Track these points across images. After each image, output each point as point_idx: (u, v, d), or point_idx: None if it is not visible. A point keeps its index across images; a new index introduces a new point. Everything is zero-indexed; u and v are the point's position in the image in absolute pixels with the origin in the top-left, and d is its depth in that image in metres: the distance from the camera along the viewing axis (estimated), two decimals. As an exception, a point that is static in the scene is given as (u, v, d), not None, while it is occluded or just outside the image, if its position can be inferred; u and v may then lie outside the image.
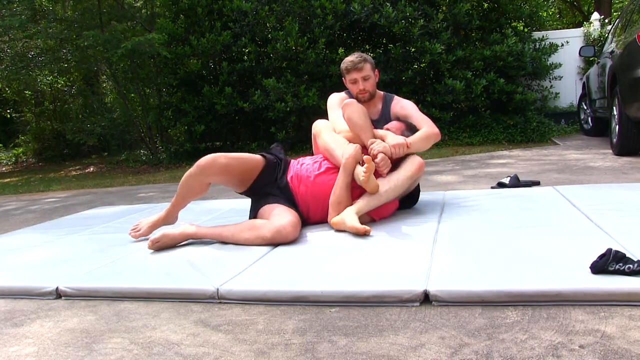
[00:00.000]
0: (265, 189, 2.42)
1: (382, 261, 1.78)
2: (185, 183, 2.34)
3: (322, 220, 2.42)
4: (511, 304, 1.41)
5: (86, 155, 11.51)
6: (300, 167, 2.50)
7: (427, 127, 2.51)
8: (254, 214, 2.42)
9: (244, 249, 2.11)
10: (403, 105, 2.69)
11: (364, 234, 2.12)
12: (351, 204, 2.31)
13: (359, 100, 2.65)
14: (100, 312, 1.65)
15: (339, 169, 2.35)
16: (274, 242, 2.13)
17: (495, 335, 1.25)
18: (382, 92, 2.77)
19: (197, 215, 3.03)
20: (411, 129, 2.54)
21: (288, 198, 2.40)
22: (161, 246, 2.23)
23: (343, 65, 2.66)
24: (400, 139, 2.38)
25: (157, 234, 2.29)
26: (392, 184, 2.31)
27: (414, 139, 2.44)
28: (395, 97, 2.77)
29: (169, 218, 2.50)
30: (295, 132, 7.38)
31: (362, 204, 2.28)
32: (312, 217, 2.44)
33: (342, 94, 2.78)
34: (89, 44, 7.18)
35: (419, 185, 2.65)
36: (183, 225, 2.35)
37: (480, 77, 6.63)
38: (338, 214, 2.28)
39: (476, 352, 1.17)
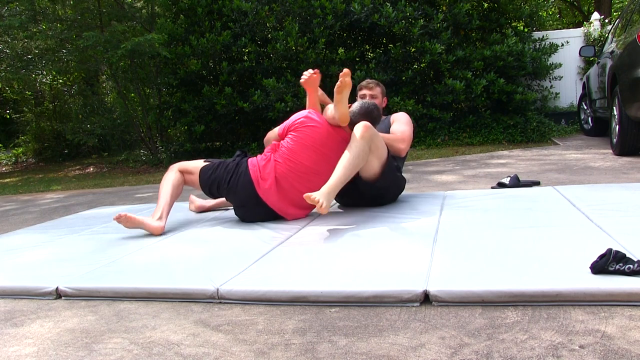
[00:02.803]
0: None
1: (382, 261, 1.78)
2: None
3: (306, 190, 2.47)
4: (511, 304, 1.41)
5: (86, 156, 11.49)
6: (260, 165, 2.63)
7: (397, 135, 2.84)
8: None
9: (244, 249, 2.11)
10: (396, 116, 3.03)
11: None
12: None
13: None
14: (100, 312, 1.65)
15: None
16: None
17: (495, 336, 1.25)
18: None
19: (197, 215, 3.03)
20: None
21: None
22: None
23: (360, 83, 3.08)
24: None
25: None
26: (353, 152, 2.42)
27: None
28: (395, 114, 3.12)
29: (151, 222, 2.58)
30: (295, 132, 7.37)
31: (332, 182, 2.36)
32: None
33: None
34: (89, 44, 7.18)
35: (403, 178, 2.83)
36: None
37: (481, 77, 6.63)
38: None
39: (476, 352, 1.17)
